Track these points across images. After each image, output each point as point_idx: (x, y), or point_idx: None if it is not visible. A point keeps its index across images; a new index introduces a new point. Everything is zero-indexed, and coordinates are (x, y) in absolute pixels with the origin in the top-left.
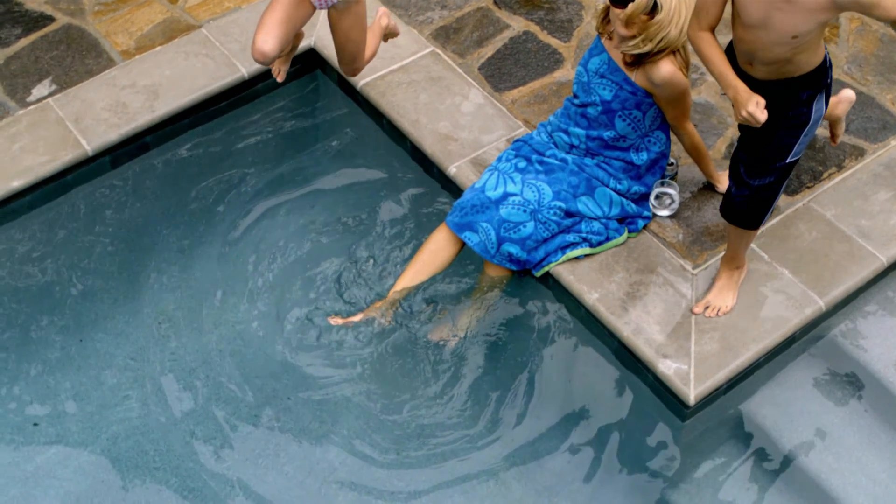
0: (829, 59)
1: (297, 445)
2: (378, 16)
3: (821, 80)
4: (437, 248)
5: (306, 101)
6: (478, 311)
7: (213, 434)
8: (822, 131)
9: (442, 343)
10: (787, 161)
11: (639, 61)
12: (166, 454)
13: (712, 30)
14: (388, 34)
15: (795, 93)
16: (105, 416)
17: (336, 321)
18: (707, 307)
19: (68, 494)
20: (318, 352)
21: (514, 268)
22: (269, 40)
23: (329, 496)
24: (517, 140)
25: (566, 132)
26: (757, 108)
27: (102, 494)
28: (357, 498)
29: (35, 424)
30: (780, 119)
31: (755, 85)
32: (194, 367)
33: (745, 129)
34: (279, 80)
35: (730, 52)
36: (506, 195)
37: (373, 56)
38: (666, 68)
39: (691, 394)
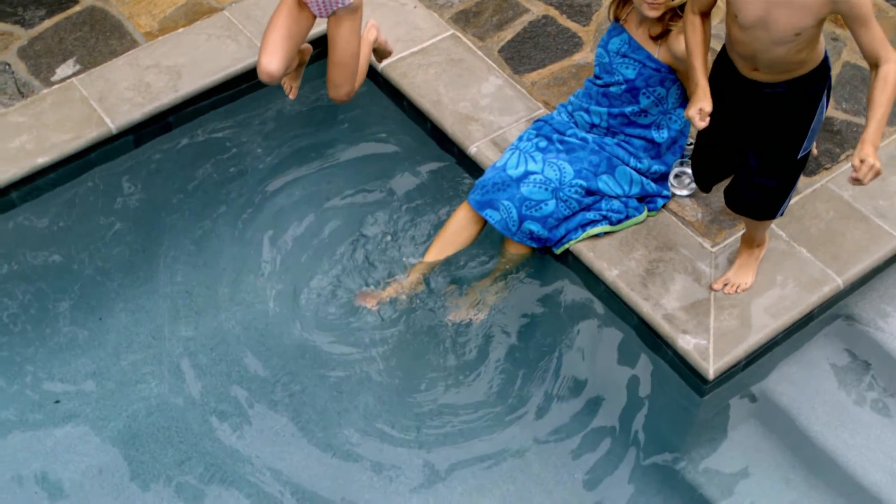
0: (827, 51)
1: (316, 423)
2: (366, 29)
3: (825, 75)
4: (460, 228)
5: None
6: (498, 289)
7: (232, 412)
8: (839, 113)
9: (462, 321)
10: (799, 157)
11: (664, 35)
12: (186, 431)
13: (705, 14)
14: (381, 52)
15: (803, 91)
16: (125, 394)
17: (363, 301)
18: (727, 284)
19: (90, 468)
20: (337, 330)
21: (534, 245)
22: (274, 60)
23: (349, 473)
24: (538, 120)
25: (587, 111)
26: (697, 115)
27: (124, 469)
28: (377, 475)
29: (56, 402)
30: (789, 118)
31: (763, 91)
32: (213, 345)
33: (754, 126)
34: (291, 97)
35: (726, 61)
36: (527, 173)
37: (362, 80)
38: None
39: (710, 368)
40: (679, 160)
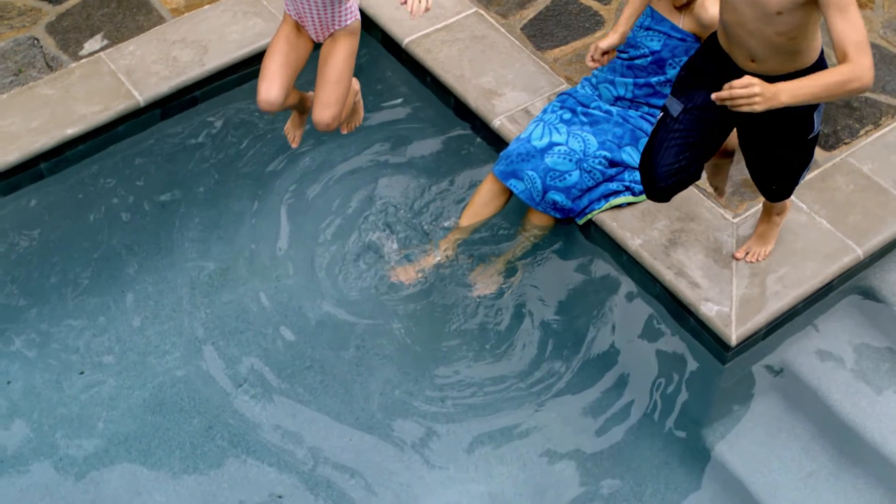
0: (823, 49)
1: (338, 394)
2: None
3: (824, 66)
4: (486, 200)
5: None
6: (521, 261)
7: (255, 383)
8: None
9: (485, 293)
10: (809, 137)
11: (688, 4)
12: (209, 401)
13: None
14: (353, 114)
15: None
16: (149, 365)
17: (398, 276)
18: (748, 252)
19: (116, 436)
20: (359, 302)
21: (557, 216)
22: (273, 88)
23: (371, 444)
24: (562, 93)
25: (612, 83)
26: (593, 53)
27: (150, 436)
28: (399, 446)
29: (81, 372)
30: (787, 118)
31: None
32: (235, 317)
33: (755, 124)
34: (293, 146)
35: (724, 56)
36: (551, 145)
37: (348, 112)
38: (714, 9)
39: (733, 335)
40: None
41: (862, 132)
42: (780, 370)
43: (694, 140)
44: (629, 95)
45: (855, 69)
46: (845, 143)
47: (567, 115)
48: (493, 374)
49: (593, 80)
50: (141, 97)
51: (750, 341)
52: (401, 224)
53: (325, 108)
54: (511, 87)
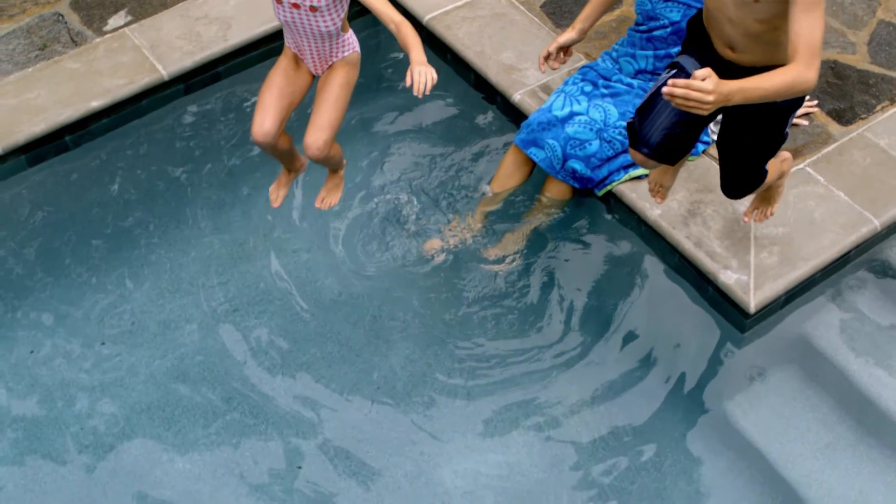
0: None
1: (357, 366)
2: None
3: None
4: (510, 171)
5: (371, 37)
6: (540, 233)
7: (274, 355)
8: (874, 67)
9: (504, 265)
10: (783, 135)
11: None
12: (228, 373)
13: None
14: (336, 185)
15: None
16: (170, 336)
17: (430, 247)
18: (756, 210)
19: (138, 404)
20: (376, 276)
21: (576, 185)
22: (267, 120)
23: (391, 416)
24: (583, 66)
25: (633, 56)
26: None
27: (172, 405)
28: (419, 416)
29: (102, 343)
30: (762, 109)
31: (739, 74)
32: (254, 289)
33: (734, 111)
34: (274, 206)
35: (705, 40)
36: (572, 114)
37: (335, 156)
38: None
39: (752, 302)
40: None
41: (878, 108)
42: (798, 340)
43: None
44: (650, 68)
45: (803, 71)
46: (861, 119)
47: (588, 88)
48: (511, 345)
49: (613, 55)
50: (165, 71)
51: (768, 310)
52: (423, 197)
53: (317, 130)
54: (531, 62)
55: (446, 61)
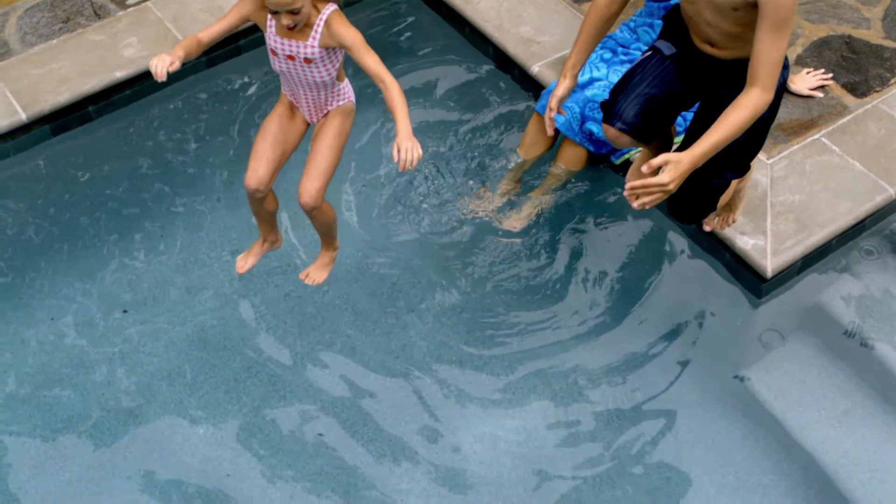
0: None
1: (375, 335)
2: None
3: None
4: (533, 140)
5: (390, 12)
6: (557, 202)
7: (292, 327)
8: (888, 42)
9: (520, 235)
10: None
11: None
12: (248, 341)
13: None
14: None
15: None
16: (189, 305)
17: (474, 207)
18: (717, 217)
19: (159, 371)
20: (396, 247)
21: (592, 149)
22: (260, 168)
23: (409, 381)
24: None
25: (650, 26)
26: (552, 105)
27: (194, 372)
28: (437, 382)
29: (124, 311)
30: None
31: (718, 66)
32: (273, 259)
33: (706, 111)
34: (239, 272)
35: (684, 35)
36: (592, 80)
37: (328, 215)
38: None
39: (769, 266)
40: None
41: (892, 81)
42: (814, 306)
43: (666, 90)
44: None
45: (761, 97)
46: (876, 91)
47: (607, 55)
48: (528, 314)
49: (631, 24)
50: None
51: (785, 275)
52: (443, 168)
53: (310, 179)
54: (549, 36)
55: (465, 35)
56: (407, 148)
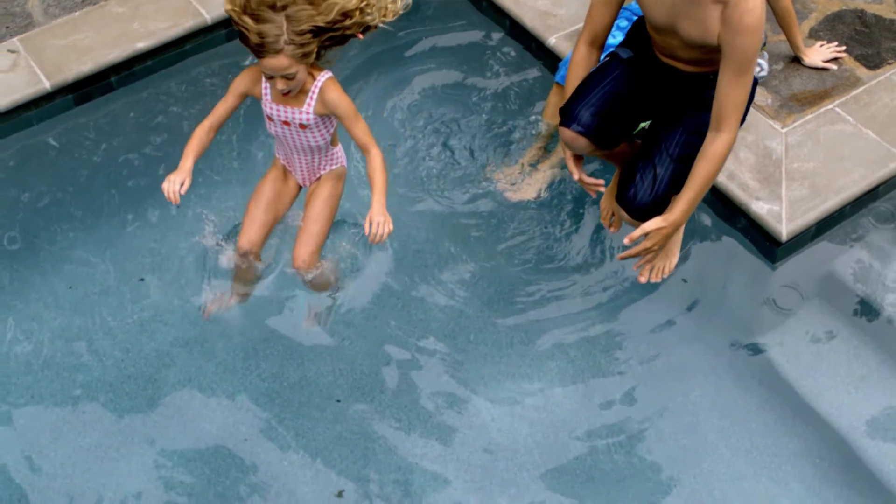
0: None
1: (390, 303)
2: None
3: None
4: (554, 112)
5: None
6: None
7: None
8: None
9: (537, 201)
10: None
11: None
12: (265, 310)
13: (597, 45)
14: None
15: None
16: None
17: (497, 177)
18: (652, 270)
19: (177, 340)
20: (415, 217)
21: None
22: (252, 231)
23: (426, 347)
24: None
25: None
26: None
27: (212, 339)
28: (455, 347)
29: (141, 279)
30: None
31: (679, 77)
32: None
33: (659, 122)
34: (204, 317)
35: (647, 48)
36: (608, 46)
37: (326, 277)
38: None
39: (784, 231)
40: None
41: None
42: (828, 272)
43: (622, 92)
44: None
45: (729, 141)
46: (889, 64)
47: (623, 24)
48: (546, 281)
49: None
50: (208, 16)
51: (799, 239)
52: (463, 140)
53: (304, 245)
54: (566, 8)
55: (482, 10)
56: (378, 222)
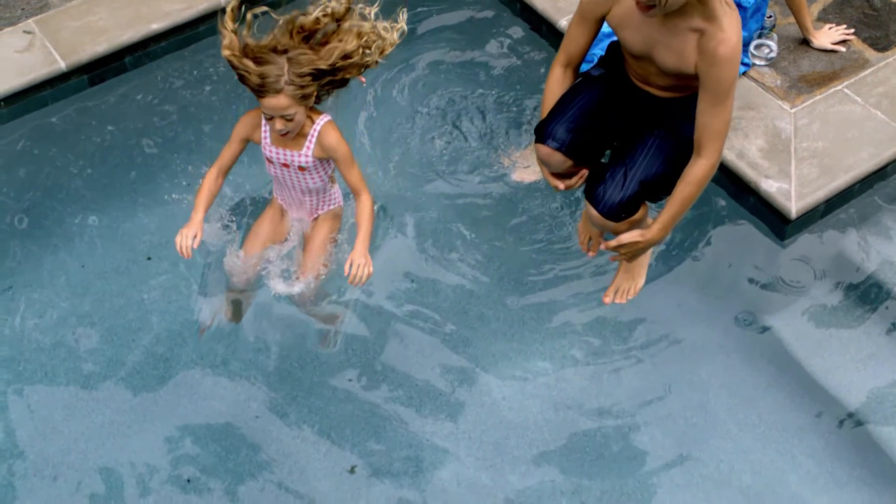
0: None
1: (404, 285)
2: None
3: None
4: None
5: None
6: None
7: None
8: None
9: (543, 182)
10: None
11: None
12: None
13: (572, 67)
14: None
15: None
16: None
17: (508, 160)
18: (617, 291)
19: (187, 320)
20: (426, 199)
21: None
22: (249, 270)
23: (437, 327)
24: None
25: None
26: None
27: (224, 320)
28: (465, 327)
29: (148, 258)
30: (680, 123)
31: (653, 102)
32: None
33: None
34: (198, 334)
35: (622, 72)
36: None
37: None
38: None
39: (793, 208)
40: (758, 30)
41: None
42: (837, 250)
43: (596, 107)
44: None
45: (710, 167)
46: None
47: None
48: (556, 263)
49: None
50: None
51: (808, 217)
52: (474, 124)
53: (304, 274)
54: None
55: None
56: (359, 264)
